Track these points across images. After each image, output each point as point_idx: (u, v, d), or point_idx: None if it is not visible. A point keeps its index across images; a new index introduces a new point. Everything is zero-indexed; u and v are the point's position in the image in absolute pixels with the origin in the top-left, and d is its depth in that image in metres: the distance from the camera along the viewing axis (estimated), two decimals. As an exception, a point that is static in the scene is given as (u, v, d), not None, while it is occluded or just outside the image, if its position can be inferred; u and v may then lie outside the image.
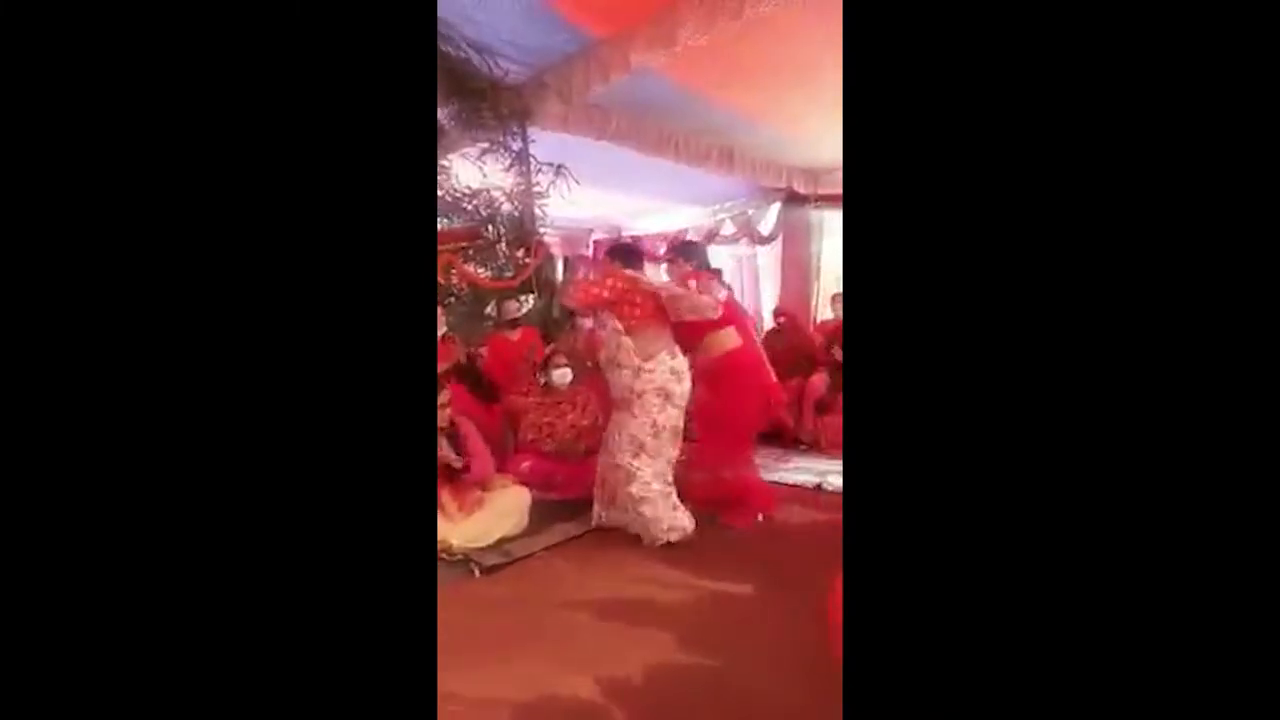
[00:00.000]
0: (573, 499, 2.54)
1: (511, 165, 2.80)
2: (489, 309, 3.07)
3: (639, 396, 2.21)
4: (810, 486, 2.92)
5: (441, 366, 2.61)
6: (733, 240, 5.20)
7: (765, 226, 4.94)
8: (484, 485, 2.40)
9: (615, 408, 2.30)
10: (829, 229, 4.65)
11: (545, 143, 2.87)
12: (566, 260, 4.60)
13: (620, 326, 2.23)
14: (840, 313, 3.83)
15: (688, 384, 2.29)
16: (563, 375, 2.77)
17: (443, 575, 2.15)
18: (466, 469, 2.32)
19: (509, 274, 2.86)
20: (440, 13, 2.18)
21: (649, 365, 2.20)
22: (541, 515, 2.41)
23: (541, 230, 2.97)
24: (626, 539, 2.31)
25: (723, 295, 2.48)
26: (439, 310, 2.76)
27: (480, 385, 2.86)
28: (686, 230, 5.39)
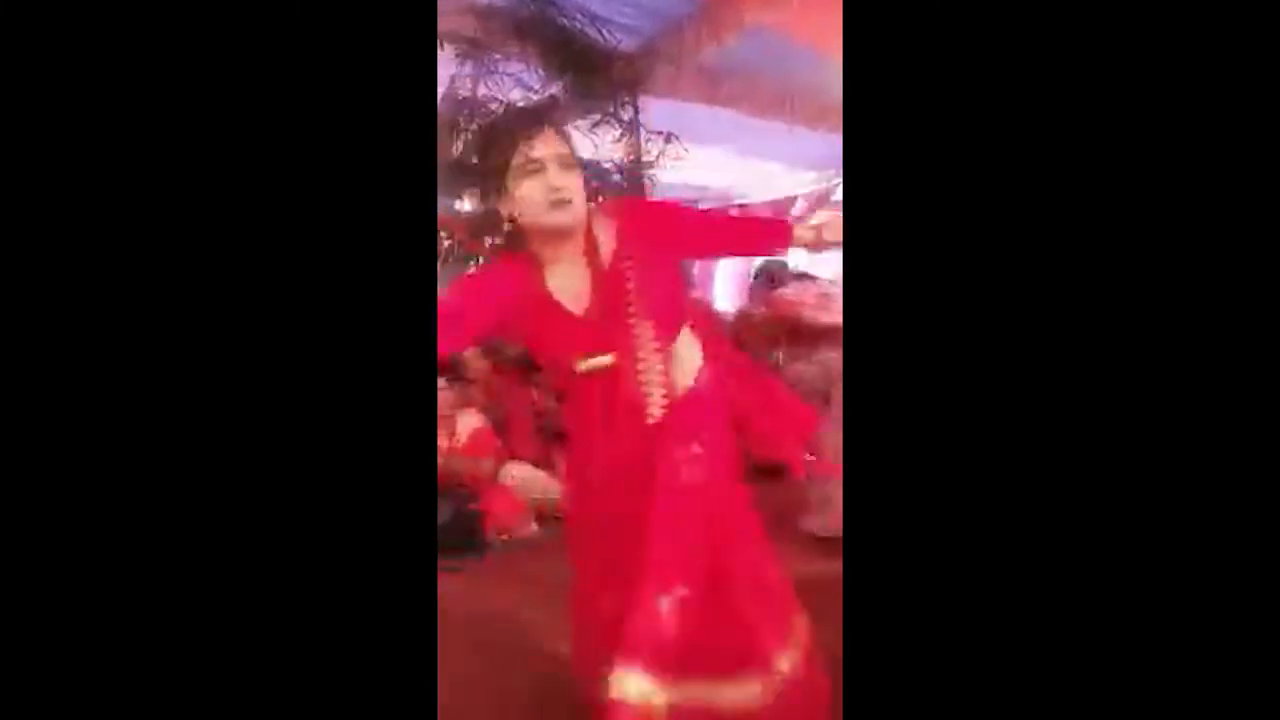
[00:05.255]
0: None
1: (622, 136, 2.80)
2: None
3: None
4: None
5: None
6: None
7: (883, 191, 4.65)
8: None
9: None
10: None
11: (655, 110, 2.83)
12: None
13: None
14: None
15: None
16: None
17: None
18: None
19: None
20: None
21: None
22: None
23: (651, 202, 2.96)
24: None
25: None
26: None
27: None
28: (796, 197, 5.18)
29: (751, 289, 2.72)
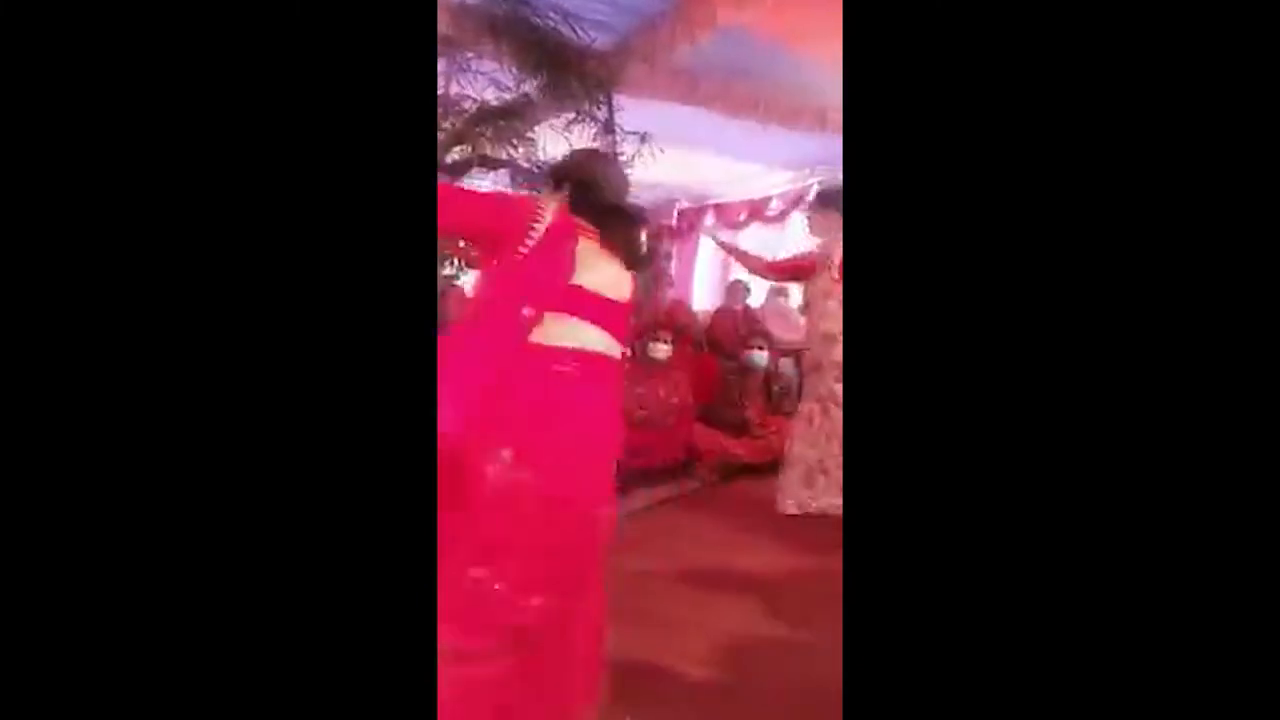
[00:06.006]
0: (655, 466, 2.69)
1: (598, 135, 2.79)
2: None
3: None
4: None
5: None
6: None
7: (857, 190, 4.70)
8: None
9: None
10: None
11: (631, 110, 2.83)
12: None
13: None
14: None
15: None
16: (657, 350, 2.90)
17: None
18: None
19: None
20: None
21: None
22: (624, 481, 2.49)
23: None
24: (711, 506, 2.33)
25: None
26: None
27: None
28: (771, 197, 5.21)
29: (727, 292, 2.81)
